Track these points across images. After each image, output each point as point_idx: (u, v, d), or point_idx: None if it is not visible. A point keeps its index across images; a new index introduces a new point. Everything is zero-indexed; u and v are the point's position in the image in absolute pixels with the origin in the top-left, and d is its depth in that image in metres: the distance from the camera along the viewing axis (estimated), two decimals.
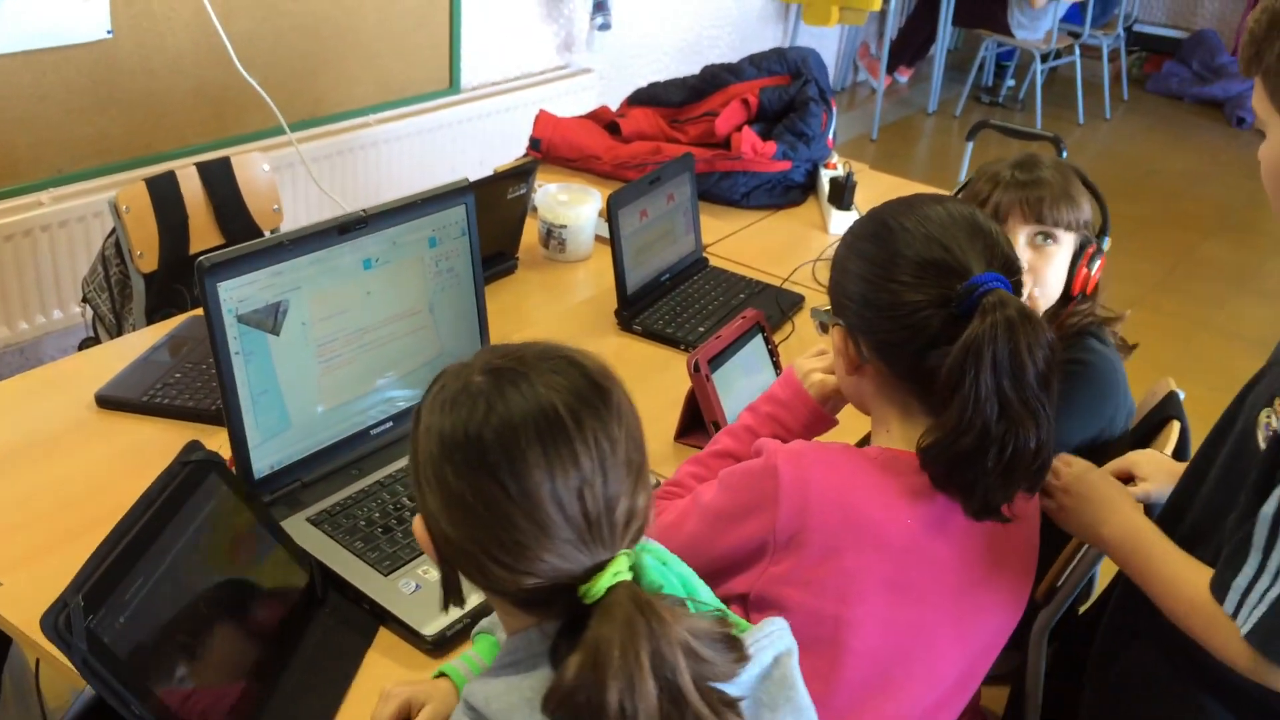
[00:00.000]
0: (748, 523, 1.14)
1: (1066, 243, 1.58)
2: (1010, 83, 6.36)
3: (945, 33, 5.85)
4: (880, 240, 1.13)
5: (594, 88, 4.18)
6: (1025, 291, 1.53)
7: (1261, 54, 1.07)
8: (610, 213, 1.84)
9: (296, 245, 1.30)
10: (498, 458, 0.82)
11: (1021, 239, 1.57)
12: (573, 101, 4.01)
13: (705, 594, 1.01)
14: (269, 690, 1.13)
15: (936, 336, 1.07)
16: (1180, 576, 1.14)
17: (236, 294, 1.26)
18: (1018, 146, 3.12)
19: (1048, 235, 1.57)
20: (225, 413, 1.29)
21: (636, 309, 1.92)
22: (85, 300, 2.44)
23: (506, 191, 2.07)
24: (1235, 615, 1.06)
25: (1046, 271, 1.58)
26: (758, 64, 2.53)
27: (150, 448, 1.53)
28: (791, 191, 2.43)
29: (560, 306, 2.04)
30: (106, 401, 1.62)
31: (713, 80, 2.54)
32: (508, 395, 0.84)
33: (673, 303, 1.97)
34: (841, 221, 2.34)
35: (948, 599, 1.15)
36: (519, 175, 2.07)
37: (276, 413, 1.34)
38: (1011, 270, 1.11)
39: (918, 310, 1.08)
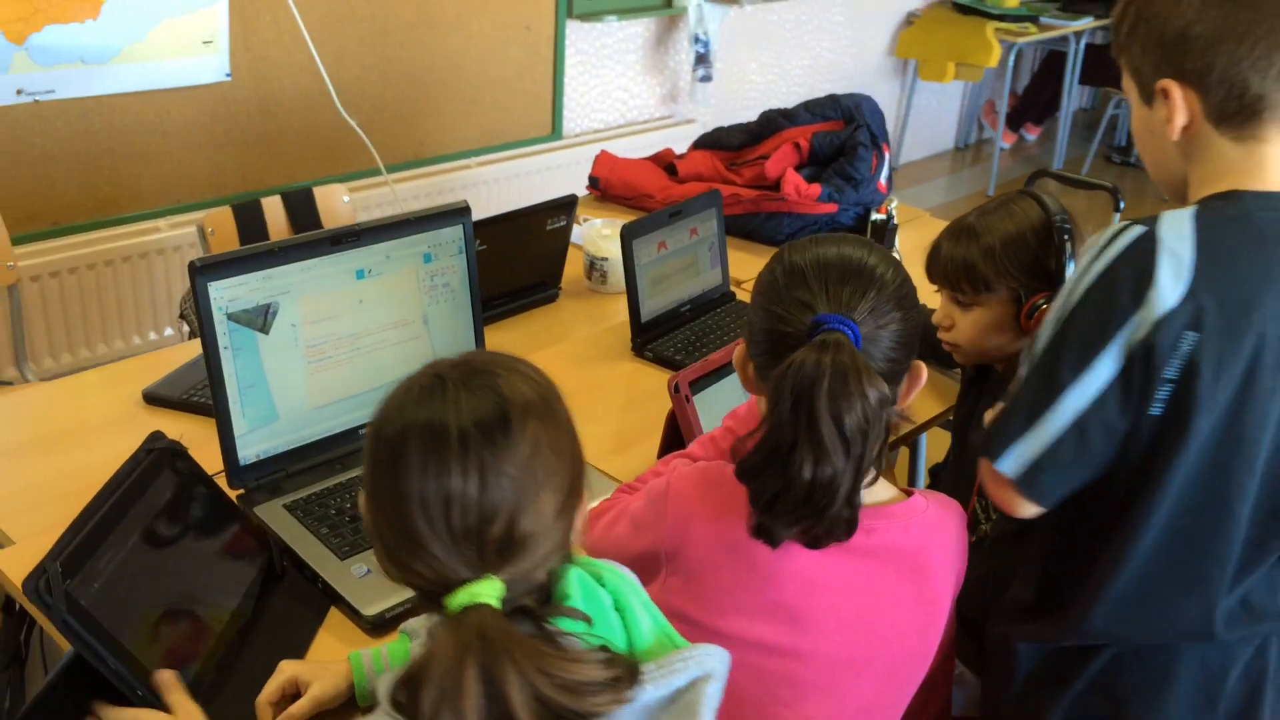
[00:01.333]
0: (647, 533, 1.22)
1: (990, 302, 1.62)
2: None
3: (1071, 91, 5.75)
4: (771, 269, 1.20)
5: (695, 138, 4.30)
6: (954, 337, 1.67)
7: (1118, 37, 1.25)
8: (625, 242, 1.93)
9: (287, 252, 1.44)
10: (388, 455, 0.89)
11: (944, 296, 1.69)
12: (679, 149, 4.13)
13: (646, 618, 1.02)
14: (230, 656, 1.24)
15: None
16: None
17: (227, 294, 1.40)
18: (1082, 196, 3.07)
19: (964, 300, 1.65)
20: (214, 401, 1.42)
21: (650, 336, 1.99)
22: (181, 316, 2.66)
23: (546, 223, 2.18)
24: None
25: (964, 325, 1.67)
26: (812, 110, 2.59)
27: (183, 438, 1.68)
28: (839, 234, 2.47)
29: (587, 332, 2.13)
30: (152, 398, 1.79)
31: (769, 125, 2.61)
32: (421, 401, 0.90)
33: (690, 333, 2.04)
34: None
35: (829, 622, 1.18)
36: (559, 208, 2.18)
37: (264, 405, 1.46)
38: (880, 319, 1.13)
39: (782, 339, 1.14)
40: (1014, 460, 1.18)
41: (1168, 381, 1.12)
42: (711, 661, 0.94)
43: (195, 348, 1.96)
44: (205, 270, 1.36)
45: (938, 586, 1.24)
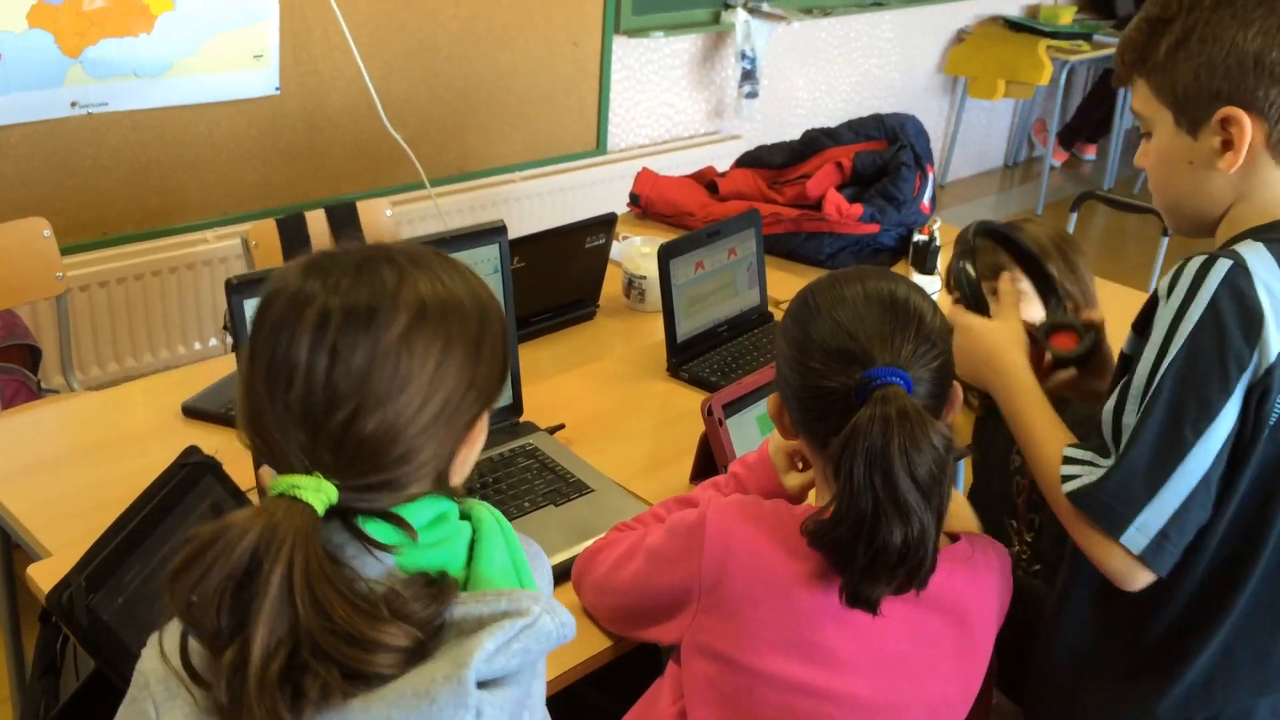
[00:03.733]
0: (677, 568, 1.19)
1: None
2: None
3: (1124, 110, 5.67)
4: (800, 321, 1.16)
5: (740, 154, 4.29)
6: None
7: (1146, 56, 1.16)
8: (661, 262, 1.92)
9: None
10: (258, 311, 0.88)
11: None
12: (722, 166, 4.13)
13: (502, 557, 0.94)
14: None
15: (838, 424, 1.08)
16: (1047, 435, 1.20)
17: None
18: (1131, 218, 3.02)
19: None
20: None
21: (686, 356, 1.99)
22: (225, 327, 2.69)
23: (585, 241, 2.18)
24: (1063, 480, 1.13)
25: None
26: (855, 129, 2.57)
27: (219, 453, 1.70)
28: (881, 254, 2.45)
29: (624, 350, 2.13)
30: (191, 411, 1.81)
31: (811, 144, 2.59)
32: (305, 269, 0.88)
33: (727, 353, 2.03)
34: (924, 286, 2.33)
35: (866, 665, 1.15)
36: (598, 226, 2.18)
37: None
38: (924, 357, 1.11)
39: (824, 396, 1.11)
40: (1139, 534, 1.08)
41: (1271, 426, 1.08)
42: (526, 602, 0.86)
43: (235, 361, 1.98)
44: (241, 288, 1.37)
45: (980, 632, 1.22)
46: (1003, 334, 1.30)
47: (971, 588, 1.20)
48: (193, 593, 0.79)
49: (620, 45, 3.84)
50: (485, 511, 0.96)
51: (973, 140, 5.77)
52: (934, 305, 1.16)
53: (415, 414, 0.86)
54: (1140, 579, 1.11)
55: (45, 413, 2.11)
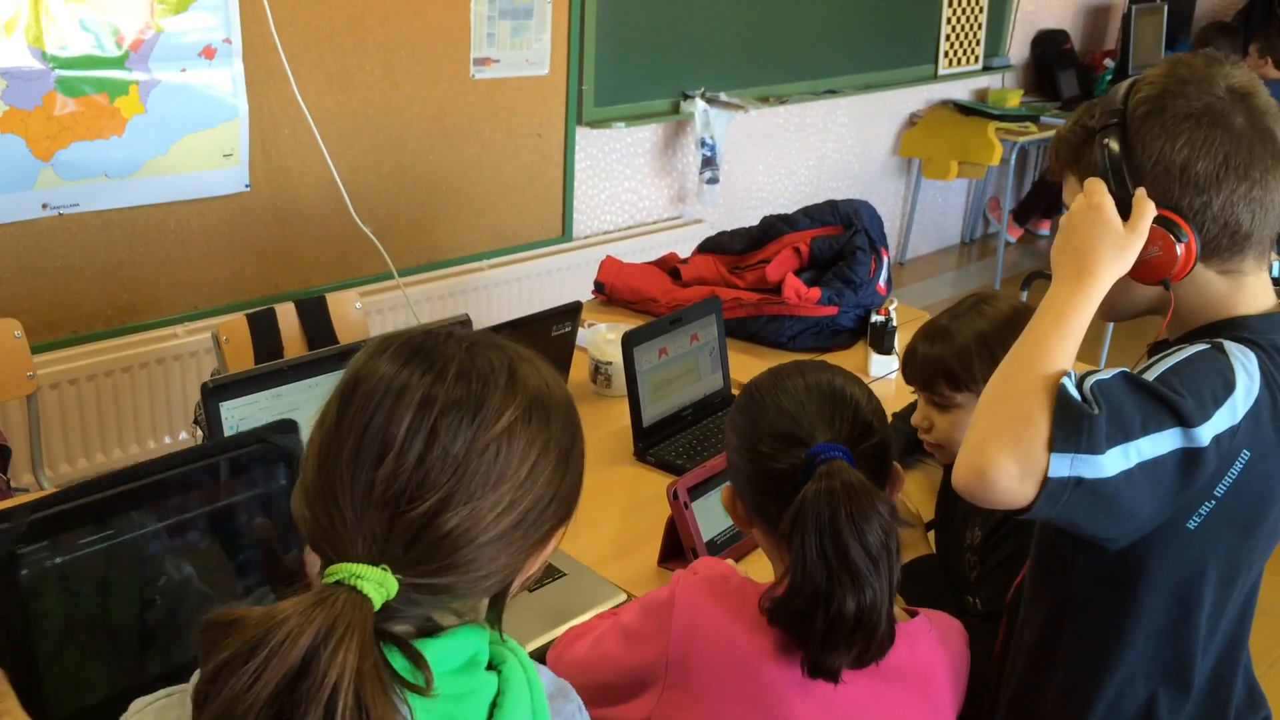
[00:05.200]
0: (647, 646, 1.22)
1: (968, 402, 1.60)
2: None
3: None
4: (746, 413, 1.23)
5: (703, 237, 4.38)
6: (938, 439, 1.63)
7: (1079, 156, 1.22)
8: (625, 350, 1.97)
9: (296, 371, 1.49)
10: (350, 381, 0.83)
11: (921, 399, 1.67)
12: (685, 250, 4.22)
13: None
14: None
15: (789, 503, 1.13)
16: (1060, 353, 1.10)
17: (238, 413, 1.44)
18: None
19: (941, 402, 1.64)
20: None
21: (653, 440, 2.03)
22: (195, 422, 2.71)
23: (551, 329, 2.23)
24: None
25: (943, 426, 1.64)
26: (811, 215, 2.65)
27: None
28: (840, 335, 2.52)
29: (592, 436, 2.16)
30: None
31: (770, 230, 2.67)
32: (410, 346, 0.83)
33: (691, 436, 2.07)
34: (881, 365, 2.40)
35: None
36: (563, 314, 2.24)
37: None
38: (863, 438, 1.17)
39: (774, 478, 1.17)
40: (1067, 465, 1.01)
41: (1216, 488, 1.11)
42: None
43: None
44: (217, 391, 1.41)
45: (942, 703, 1.25)
46: (1124, 247, 1.15)
47: (932, 659, 1.24)
48: (244, 698, 0.70)
49: (583, 135, 3.94)
50: (517, 668, 0.88)
51: (929, 219, 5.92)
52: (869, 392, 1.24)
53: (499, 516, 0.81)
54: (1011, 497, 1.02)
55: None
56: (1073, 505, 1.03)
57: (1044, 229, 6.38)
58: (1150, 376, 1.09)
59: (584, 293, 3.90)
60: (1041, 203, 6.22)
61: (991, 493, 1.02)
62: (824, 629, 1.10)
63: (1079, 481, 1.02)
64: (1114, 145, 1.17)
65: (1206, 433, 1.06)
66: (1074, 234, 1.16)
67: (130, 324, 2.99)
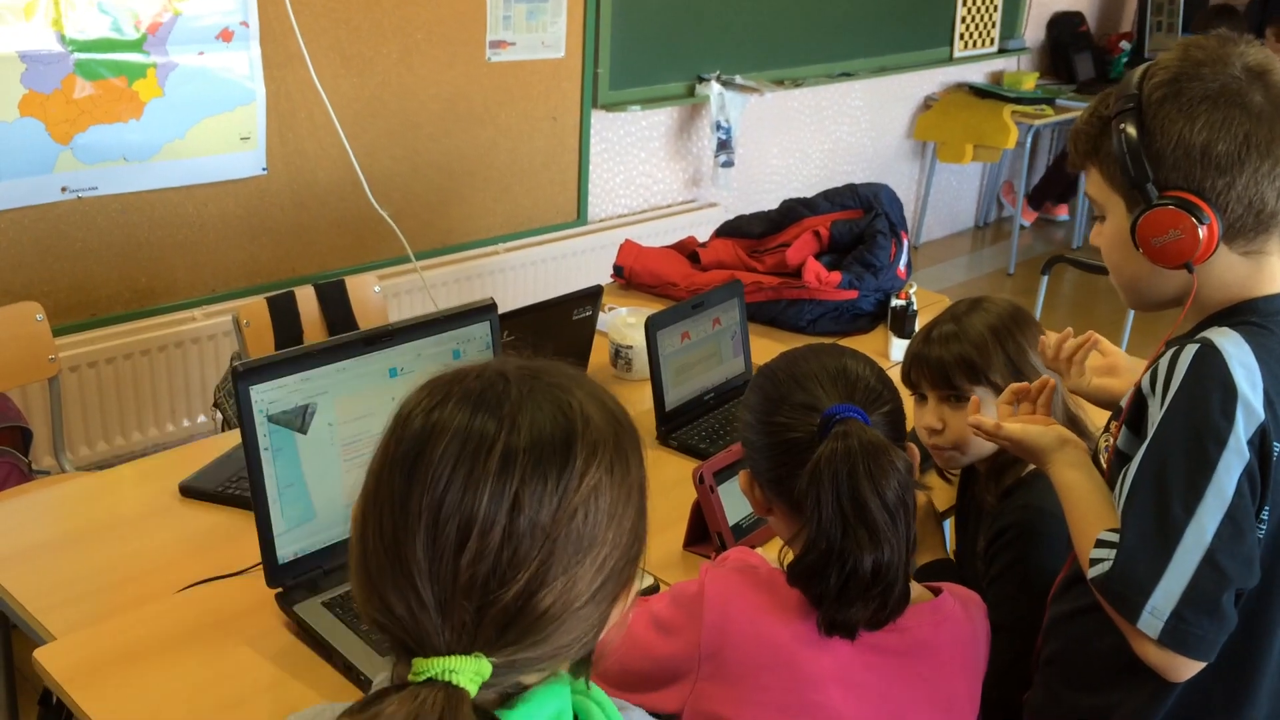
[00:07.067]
0: (676, 637, 1.23)
1: (989, 397, 1.59)
2: None
3: None
4: (762, 391, 1.25)
5: (719, 220, 4.37)
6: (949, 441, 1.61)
7: (1098, 147, 1.22)
8: (649, 334, 1.97)
9: (325, 354, 1.49)
10: (409, 450, 0.73)
11: (932, 400, 1.65)
12: (701, 234, 4.21)
13: None
14: None
15: (805, 465, 1.15)
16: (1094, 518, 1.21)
17: (268, 396, 1.44)
18: (1102, 278, 3.10)
19: (957, 396, 1.62)
20: (254, 502, 1.46)
21: (675, 424, 2.03)
22: (215, 405, 2.72)
23: (572, 313, 2.23)
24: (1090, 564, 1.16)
25: (957, 424, 1.61)
26: (831, 199, 2.64)
27: (216, 532, 1.73)
28: (860, 319, 2.51)
29: None
30: (188, 490, 1.83)
31: (789, 214, 2.66)
32: (470, 397, 0.75)
33: (714, 420, 2.07)
34: (902, 349, 2.38)
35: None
36: (584, 298, 2.23)
37: (302, 505, 1.50)
38: (874, 404, 1.19)
39: (792, 447, 1.18)
40: (1153, 618, 1.09)
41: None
42: None
43: (229, 439, 2.00)
44: (247, 374, 1.41)
45: (964, 680, 1.26)
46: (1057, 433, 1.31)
47: (957, 637, 1.24)
48: None
49: (598, 119, 3.93)
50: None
51: (944, 203, 5.90)
52: (882, 371, 1.25)
53: (592, 579, 0.74)
54: (1179, 666, 1.11)
55: (41, 495, 2.12)
56: (1199, 620, 1.10)
57: (1060, 214, 6.36)
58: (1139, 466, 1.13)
59: (599, 276, 3.90)
60: (1056, 187, 6.19)
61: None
62: (839, 585, 1.11)
63: (1177, 615, 1.09)
64: (1131, 131, 1.17)
65: (1223, 480, 1.09)
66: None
67: (149, 307, 3.00)
